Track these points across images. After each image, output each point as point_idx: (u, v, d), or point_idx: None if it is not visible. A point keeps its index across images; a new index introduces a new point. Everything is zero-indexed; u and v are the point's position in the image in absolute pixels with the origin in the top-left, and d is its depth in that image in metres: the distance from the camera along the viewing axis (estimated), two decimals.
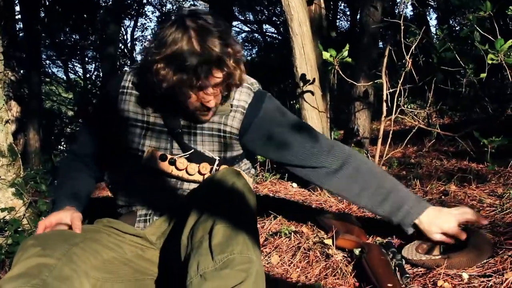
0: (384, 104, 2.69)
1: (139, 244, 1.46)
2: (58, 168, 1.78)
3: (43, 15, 9.71)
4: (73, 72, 17.97)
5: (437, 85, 3.26)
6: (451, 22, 10.99)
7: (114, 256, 1.35)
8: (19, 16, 8.34)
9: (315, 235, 1.88)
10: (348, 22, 15.22)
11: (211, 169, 1.49)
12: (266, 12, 16.99)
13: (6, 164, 2.24)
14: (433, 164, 3.03)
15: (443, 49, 2.88)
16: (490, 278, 1.33)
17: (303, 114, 2.62)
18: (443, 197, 2.15)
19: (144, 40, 18.31)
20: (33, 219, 2.24)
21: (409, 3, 3.15)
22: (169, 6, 17.43)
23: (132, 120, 1.50)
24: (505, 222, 1.69)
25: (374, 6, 3.48)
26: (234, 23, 16.67)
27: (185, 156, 1.49)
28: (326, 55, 2.49)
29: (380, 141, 2.74)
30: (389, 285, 1.35)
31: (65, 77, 17.54)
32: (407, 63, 2.71)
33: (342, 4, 14.31)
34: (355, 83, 3.18)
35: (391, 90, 2.71)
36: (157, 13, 17.80)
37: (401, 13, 2.76)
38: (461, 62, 2.88)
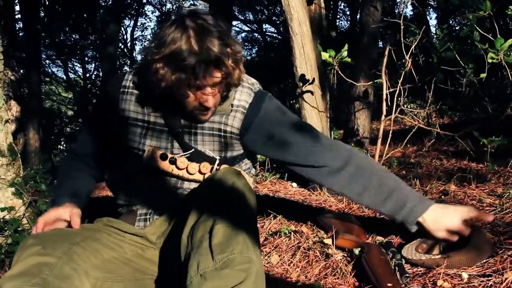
0: (384, 104, 2.69)
1: (139, 244, 1.46)
2: (58, 167, 1.78)
3: (43, 14, 9.71)
4: (73, 71, 17.98)
5: (437, 85, 3.26)
6: (451, 22, 11.01)
7: (114, 256, 1.35)
8: (19, 16, 8.33)
9: (315, 234, 1.88)
10: (348, 22, 15.23)
11: (212, 168, 1.49)
12: (266, 12, 16.99)
13: (6, 163, 2.24)
14: (433, 164, 3.03)
15: (443, 49, 2.88)
16: (489, 278, 1.33)
17: (303, 114, 2.62)
18: (442, 196, 2.15)
19: (144, 40, 18.33)
20: (33, 219, 2.24)
21: (409, 3, 3.16)
22: (169, 5, 17.45)
23: (132, 119, 1.50)
24: (505, 222, 1.69)
25: (374, 5, 3.48)
26: (234, 22, 16.68)
27: (186, 156, 1.49)
28: (325, 55, 2.49)
29: (380, 140, 2.74)
30: (388, 284, 1.35)
31: (65, 77, 17.55)
32: (407, 63, 2.71)
33: (342, 4, 14.32)
34: (354, 83, 3.18)
35: (391, 90, 2.71)
36: (157, 13, 17.81)
37: (401, 12, 2.76)
38: (461, 62, 2.88)
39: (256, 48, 19.28)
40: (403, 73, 2.76)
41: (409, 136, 2.99)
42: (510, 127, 2.93)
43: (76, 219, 1.39)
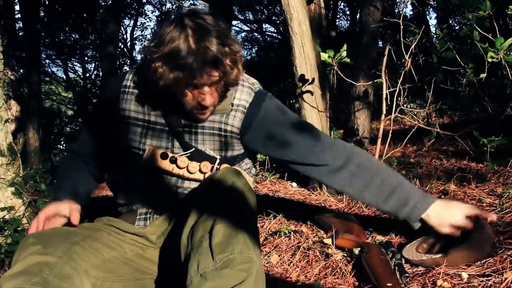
0: (384, 104, 2.69)
1: (139, 243, 1.46)
2: (58, 167, 1.78)
3: (42, 14, 9.71)
4: (72, 71, 17.99)
5: (437, 85, 3.26)
6: (450, 22, 11.01)
7: (114, 255, 1.35)
8: (19, 16, 8.34)
9: (315, 234, 1.88)
10: (348, 22, 15.25)
11: (212, 167, 1.50)
12: (266, 12, 17.00)
13: (5, 163, 2.24)
14: (433, 164, 3.03)
15: (443, 49, 2.88)
16: (489, 278, 1.33)
17: (303, 114, 2.62)
18: (442, 196, 2.15)
19: (143, 40, 18.31)
20: (33, 219, 2.23)
21: (409, 2, 3.16)
22: (168, 5, 17.44)
23: (133, 119, 1.51)
24: (505, 222, 1.69)
25: (374, 5, 3.48)
26: (234, 22, 16.69)
27: (186, 155, 1.49)
28: (324, 56, 2.49)
29: (379, 140, 2.74)
30: (388, 284, 1.35)
31: (64, 77, 17.56)
32: (406, 63, 2.71)
33: (342, 4, 14.32)
34: (354, 82, 3.18)
35: (390, 90, 2.71)
36: (157, 13, 17.81)
37: (400, 12, 2.76)
38: (460, 61, 2.88)
39: (256, 48, 19.31)
40: (403, 73, 2.76)
41: (409, 136, 2.99)
42: (510, 127, 2.93)
43: (75, 215, 1.40)
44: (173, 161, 1.48)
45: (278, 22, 16.45)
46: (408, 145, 3.79)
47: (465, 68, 3.18)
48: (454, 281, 1.36)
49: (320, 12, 3.79)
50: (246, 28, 19.23)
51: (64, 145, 13.07)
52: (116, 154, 1.58)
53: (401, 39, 2.72)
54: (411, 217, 1.53)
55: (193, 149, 1.50)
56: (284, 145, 1.53)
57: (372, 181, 1.54)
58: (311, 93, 2.58)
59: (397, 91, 2.71)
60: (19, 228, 2.12)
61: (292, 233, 1.89)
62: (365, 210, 2.11)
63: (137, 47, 18.35)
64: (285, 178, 2.99)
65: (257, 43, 19.40)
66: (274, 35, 18.59)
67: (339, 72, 2.59)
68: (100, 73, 13.81)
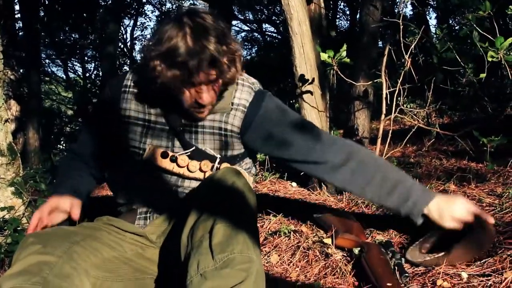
0: (384, 104, 2.69)
1: (139, 243, 1.46)
2: (58, 167, 1.78)
3: (42, 14, 9.71)
4: (72, 71, 17.98)
5: (437, 85, 3.26)
6: (450, 22, 11.01)
7: (114, 255, 1.35)
8: (19, 15, 8.34)
9: (315, 234, 1.88)
10: (348, 22, 15.25)
11: (212, 166, 1.50)
12: (266, 11, 17.00)
13: (5, 163, 2.24)
14: (433, 164, 3.03)
15: (443, 49, 2.88)
16: (489, 278, 1.33)
17: (303, 114, 2.62)
18: None
19: (143, 40, 18.30)
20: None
21: (409, 2, 3.16)
22: (168, 5, 17.44)
23: (133, 118, 1.51)
24: (504, 222, 1.69)
25: (374, 5, 3.48)
26: (234, 22, 16.69)
27: (186, 154, 1.49)
28: (324, 56, 2.49)
29: (379, 140, 2.74)
30: (388, 284, 1.35)
31: (64, 76, 17.55)
32: (406, 63, 2.71)
33: (342, 4, 14.32)
34: (354, 82, 3.18)
35: (390, 90, 2.71)
36: (157, 12, 17.83)
37: (400, 12, 2.76)
38: (460, 61, 2.88)
39: (256, 48, 19.32)
40: (402, 73, 2.75)
41: (408, 135, 2.99)
42: (509, 127, 2.93)
43: (76, 210, 1.40)
44: (174, 160, 1.48)
45: (278, 22, 16.46)
46: (408, 145, 3.80)
47: (465, 68, 3.17)
48: (454, 280, 1.36)
49: (320, 12, 3.79)
50: (246, 28, 19.26)
51: (64, 145, 13.08)
52: (116, 154, 1.58)
53: (401, 39, 2.72)
54: (413, 212, 1.51)
55: (193, 148, 1.50)
56: (285, 144, 1.53)
57: (373, 177, 1.53)
58: (311, 93, 2.58)
59: (397, 91, 2.71)
60: (19, 228, 2.11)
61: (292, 233, 1.89)
62: (365, 210, 2.11)
63: (137, 47, 18.36)
64: (285, 178, 2.99)
65: (257, 43, 19.41)
66: (274, 35, 18.62)
67: (339, 72, 2.59)
68: (100, 73, 13.81)
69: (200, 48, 1.28)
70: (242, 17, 17.71)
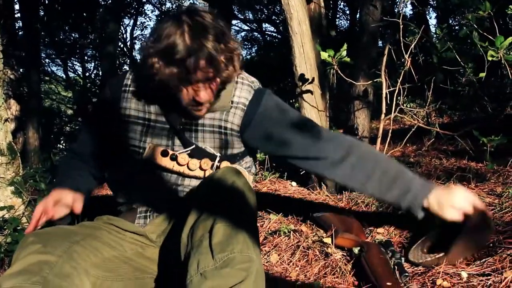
0: (384, 103, 2.69)
1: (139, 242, 1.46)
2: (58, 166, 1.78)
3: (42, 13, 9.71)
4: (72, 70, 17.96)
5: (437, 84, 3.26)
6: (450, 21, 11.01)
7: (114, 254, 1.36)
8: (19, 15, 8.33)
9: (314, 233, 1.88)
10: (348, 21, 15.24)
11: (212, 165, 1.50)
12: (266, 11, 16.99)
13: (5, 162, 2.24)
14: (433, 163, 3.03)
15: (443, 49, 2.88)
16: (489, 277, 1.33)
17: (303, 113, 2.62)
18: None
19: (143, 39, 18.27)
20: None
21: (409, 2, 3.16)
22: (168, 4, 17.44)
23: (133, 117, 1.51)
24: (504, 221, 1.69)
25: (374, 5, 3.48)
26: (234, 21, 16.66)
27: (187, 152, 1.49)
28: (324, 55, 2.49)
29: (379, 140, 2.74)
30: (388, 284, 1.35)
31: (64, 76, 17.53)
32: (406, 62, 2.71)
33: (342, 3, 14.31)
34: (354, 82, 3.18)
35: (390, 89, 2.71)
36: (157, 12, 17.82)
37: (400, 12, 2.76)
38: (460, 61, 2.88)
39: (256, 47, 19.32)
40: (402, 72, 2.76)
41: (408, 135, 2.99)
42: (509, 126, 2.93)
43: (78, 204, 1.40)
44: (174, 158, 1.48)
45: (278, 21, 16.45)
46: (408, 145, 3.79)
47: (465, 68, 3.17)
48: (454, 280, 1.36)
49: (320, 12, 3.78)
50: (246, 28, 19.24)
51: (63, 144, 13.07)
52: (116, 153, 1.58)
53: (401, 38, 2.72)
54: (414, 204, 1.49)
55: (193, 146, 1.50)
56: (285, 141, 1.53)
57: (373, 172, 1.52)
58: (311, 92, 2.59)
59: (396, 91, 2.71)
60: (18, 227, 2.12)
61: (291, 232, 1.89)
62: (365, 209, 2.11)
63: (137, 47, 18.34)
64: (285, 178, 2.99)
65: (257, 43, 19.41)
66: (274, 34, 18.61)
67: (339, 72, 2.59)
68: (100, 73, 13.80)
69: (198, 46, 1.29)
70: (242, 17, 17.71)
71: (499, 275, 1.32)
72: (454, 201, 1.44)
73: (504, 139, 2.55)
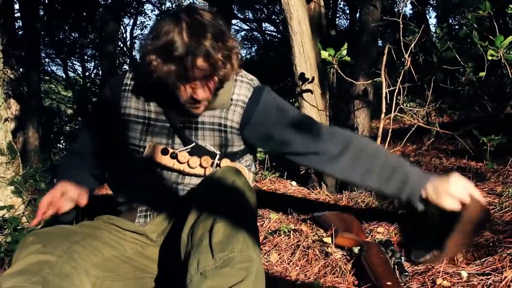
0: (384, 103, 2.69)
1: (139, 241, 1.46)
2: (58, 166, 1.78)
3: (42, 13, 9.69)
4: (72, 70, 17.93)
5: (437, 84, 3.25)
6: (450, 21, 11.00)
7: (114, 254, 1.36)
8: (19, 14, 8.32)
9: (314, 233, 1.88)
10: (348, 21, 15.22)
11: (213, 162, 1.50)
12: (266, 11, 16.98)
13: (5, 162, 2.24)
14: (432, 163, 3.03)
15: (443, 49, 2.88)
16: (489, 276, 1.33)
17: (303, 112, 2.62)
18: None
19: (143, 38, 18.18)
20: (32, 217, 2.23)
21: (409, 1, 3.15)
22: (168, 4, 17.43)
23: (133, 116, 1.51)
24: (504, 221, 1.69)
25: (374, 4, 3.47)
26: (234, 21, 16.64)
27: (187, 150, 1.50)
28: (324, 54, 2.48)
29: (379, 139, 2.74)
30: (388, 283, 1.35)
31: (64, 75, 17.50)
32: (406, 62, 2.71)
33: (342, 3, 14.30)
34: (354, 81, 3.18)
35: (390, 89, 2.71)
36: (156, 11, 17.77)
37: (400, 11, 2.76)
38: (460, 60, 2.88)
39: (256, 47, 19.29)
40: (402, 72, 2.75)
41: (408, 134, 2.99)
42: (509, 126, 2.93)
43: (83, 197, 1.40)
44: (174, 156, 1.48)
45: (277, 21, 16.44)
46: (408, 144, 3.79)
47: (464, 67, 3.17)
48: (454, 279, 1.36)
49: (319, 11, 3.78)
50: (246, 27, 19.22)
51: (63, 144, 13.07)
52: (116, 152, 1.58)
53: (401, 38, 2.72)
54: (413, 195, 1.48)
55: (193, 144, 1.50)
56: (284, 137, 1.53)
57: (372, 164, 1.51)
58: (311, 92, 2.59)
59: (396, 90, 2.71)
60: (18, 227, 2.12)
61: (291, 232, 1.89)
62: (365, 209, 2.11)
63: (137, 46, 18.32)
64: (285, 177, 2.99)
65: (257, 42, 19.39)
66: (273, 34, 18.59)
67: (339, 71, 2.59)
68: (100, 72, 13.79)
69: (196, 43, 1.29)
70: (242, 16, 17.70)
71: (499, 275, 1.32)
72: (449, 188, 1.43)
73: (504, 139, 2.55)
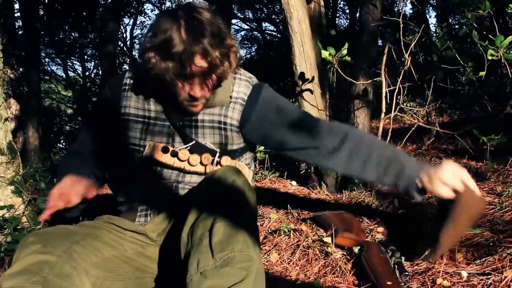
0: (384, 102, 2.69)
1: (139, 241, 1.46)
2: (58, 166, 1.78)
3: (42, 13, 9.69)
4: (72, 70, 17.93)
5: (437, 83, 3.25)
6: (450, 21, 11.00)
7: (114, 254, 1.35)
8: (19, 14, 8.33)
9: (314, 233, 1.88)
10: (348, 20, 15.22)
11: (213, 160, 1.50)
12: (266, 10, 16.98)
13: (5, 162, 2.24)
14: (433, 162, 3.03)
15: (443, 48, 2.88)
16: (489, 276, 1.33)
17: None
18: None
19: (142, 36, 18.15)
20: (33, 217, 2.24)
21: (409, 1, 3.15)
22: (168, 4, 17.42)
23: (133, 116, 1.52)
24: (504, 220, 1.70)
25: (374, 4, 3.47)
26: (233, 21, 16.64)
27: (187, 148, 1.50)
28: (325, 53, 2.48)
29: (379, 139, 2.74)
30: (388, 283, 1.35)
31: (64, 75, 17.49)
32: (406, 61, 2.71)
33: (342, 2, 14.30)
34: (354, 81, 3.18)
35: (390, 88, 2.71)
36: (156, 11, 17.77)
37: (400, 11, 2.76)
38: (460, 60, 2.88)
39: (256, 47, 19.29)
40: (402, 72, 2.75)
41: (408, 134, 2.99)
42: (509, 125, 2.93)
43: (92, 190, 1.40)
44: (174, 154, 1.49)
45: (277, 20, 16.44)
46: (408, 144, 3.79)
47: (464, 67, 3.17)
48: (454, 279, 1.36)
49: (319, 11, 3.78)
50: (246, 27, 19.21)
51: (63, 143, 13.07)
52: (116, 152, 1.58)
53: (401, 37, 2.72)
54: (410, 185, 1.46)
55: (193, 142, 1.50)
56: (283, 133, 1.53)
57: (370, 157, 1.50)
58: (311, 91, 2.59)
59: (396, 90, 2.71)
60: (18, 227, 2.12)
61: (291, 231, 1.89)
62: (365, 209, 2.11)
63: (137, 46, 18.32)
64: (285, 177, 2.99)
65: (257, 42, 19.39)
66: (273, 33, 18.59)
67: (339, 70, 2.59)
68: (100, 72, 13.78)
69: (193, 40, 1.30)
70: (242, 16, 17.70)
71: (499, 274, 1.32)
72: (442, 175, 1.41)
73: (504, 138, 2.56)
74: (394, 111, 2.74)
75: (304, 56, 2.57)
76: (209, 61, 1.33)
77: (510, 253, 1.41)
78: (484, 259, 1.44)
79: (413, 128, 2.98)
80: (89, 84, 13.65)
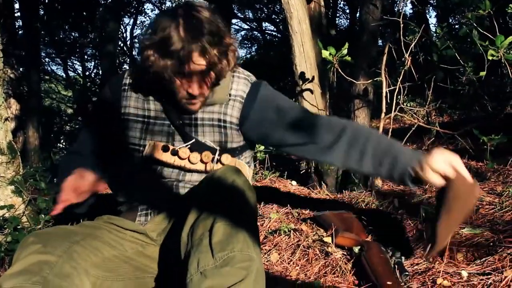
0: (384, 102, 2.69)
1: (139, 241, 1.46)
2: (58, 166, 1.78)
3: (42, 13, 9.70)
4: (72, 70, 17.93)
5: (437, 83, 3.25)
6: (450, 20, 11.00)
7: (114, 254, 1.35)
8: (19, 14, 8.33)
9: (315, 233, 1.88)
10: (348, 20, 15.22)
11: (213, 158, 1.50)
12: (266, 10, 16.98)
13: (5, 161, 2.23)
14: None
15: (443, 48, 2.88)
16: (489, 276, 1.33)
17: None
18: None
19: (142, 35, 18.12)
20: (33, 217, 2.24)
21: (409, 1, 3.15)
22: (168, 3, 17.42)
23: (133, 115, 1.52)
24: (504, 220, 1.69)
25: (374, 4, 3.47)
26: (234, 21, 16.64)
27: (187, 146, 1.50)
28: (325, 53, 2.48)
29: None
30: (388, 283, 1.35)
31: (64, 75, 17.49)
32: (406, 61, 2.71)
33: (342, 2, 14.30)
34: (354, 81, 3.18)
35: (390, 88, 2.71)
36: (157, 11, 17.77)
37: (400, 11, 2.76)
38: (460, 60, 2.88)
39: (256, 46, 19.29)
40: (402, 71, 2.75)
41: (408, 134, 2.99)
42: (509, 125, 2.93)
43: (101, 183, 1.40)
44: (175, 153, 1.49)
45: (278, 20, 16.44)
46: (408, 144, 3.79)
47: (465, 67, 3.17)
48: (454, 279, 1.36)
49: (320, 11, 3.79)
50: (246, 27, 19.21)
51: (63, 143, 13.08)
52: (117, 152, 1.58)
53: (401, 37, 2.72)
54: (404, 175, 1.45)
55: (193, 140, 1.50)
56: (282, 130, 1.53)
57: (366, 148, 1.49)
58: (311, 91, 2.59)
59: (397, 90, 2.71)
60: (19, 227, 2.12)
61: (291, 231, 1.89)
62: (365, 208, 2.11)
63: (137, 45, 18.31)
64: (285, 177, 2.99)
65: (257, 42, 19.39)
66: (274, 33, 18.59)
67: (340, 70, 2.59)
68: (100, 72, 13.79)
69: (192, 38, 1.30)
70: (242, 16, 17.70)
71: (499, 274, 1.32)
72: (433, 162, 1.39)
73: (504, 138, 2.55)
74: (394, 111, 2.74)
75: (304, 56, 2.57)
76: (208, 59, 1.34)
77: (510, 253, 1.41)
78: (484, 259, 1.44)
79: (413, 128, 2.97)
80: (89, 84, 13.67)
